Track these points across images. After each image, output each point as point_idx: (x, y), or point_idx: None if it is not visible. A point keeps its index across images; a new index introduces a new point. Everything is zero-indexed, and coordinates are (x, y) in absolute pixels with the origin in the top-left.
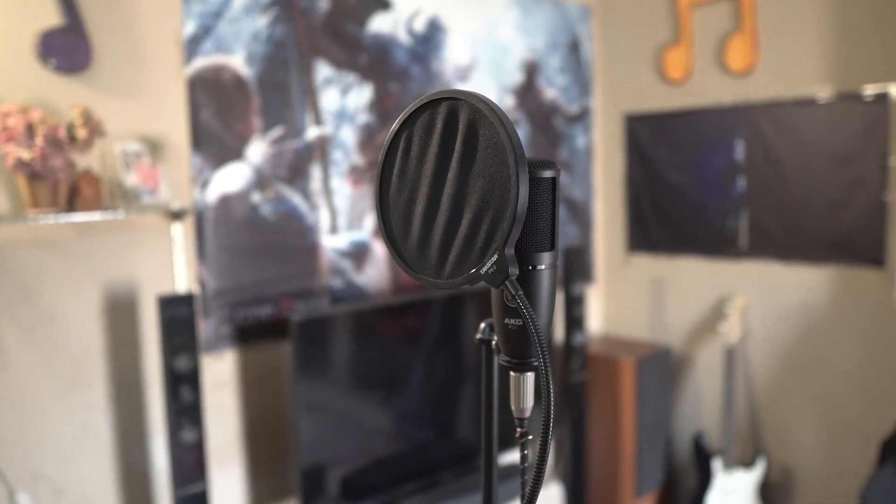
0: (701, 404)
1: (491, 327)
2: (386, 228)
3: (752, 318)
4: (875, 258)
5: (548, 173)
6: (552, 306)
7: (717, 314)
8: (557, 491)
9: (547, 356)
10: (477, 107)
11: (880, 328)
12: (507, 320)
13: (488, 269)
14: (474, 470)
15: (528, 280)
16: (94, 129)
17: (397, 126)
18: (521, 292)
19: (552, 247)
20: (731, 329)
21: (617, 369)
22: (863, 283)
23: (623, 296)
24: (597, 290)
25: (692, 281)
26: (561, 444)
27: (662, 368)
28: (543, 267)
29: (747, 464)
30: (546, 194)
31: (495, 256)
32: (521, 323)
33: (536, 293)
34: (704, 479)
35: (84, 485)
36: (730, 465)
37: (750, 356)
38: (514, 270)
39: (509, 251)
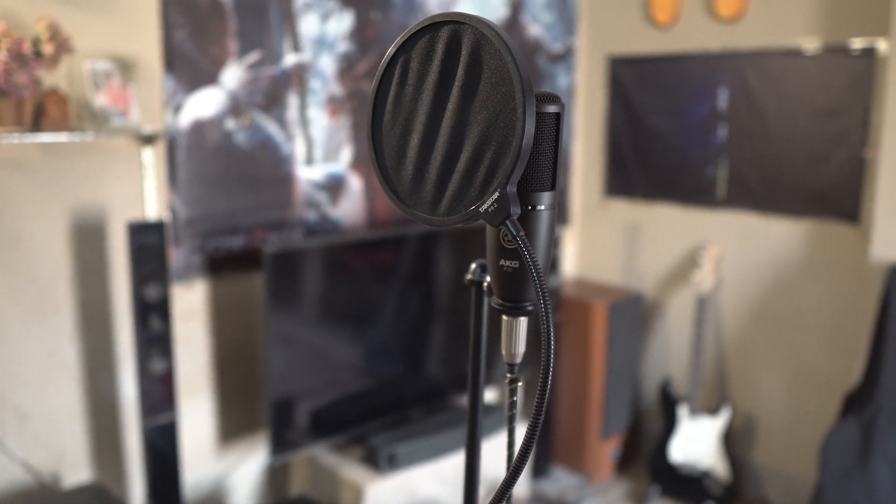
0: (669, 351)
1: (482, 268)
2: (378, 160)
3: (725, 267)
4: (851, 214)
5: (552, 108)
6: (550, 249)
7: (690, 262)
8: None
9: (549, 303)
10: (482, 32)
11: (851, 284)
12: (502, 262)
13: (488, 206)
14: (443, 407)
15: (527, 220)
16: (62, 44)
17: (394, 50)
18: (522, 233)
19: (553, 186)
20: (703, 278)
21: (589, 313)
22: (837, 239)
23: (598, 240)
24: (572, 232)
25: (668, 228)
26: (531, 385)
27: (634, 314)
28: (543, 207)
29: (712, 411)
30: (550, 130)
31: (496, 194)
32: (517, 265)
33: (535, 235)
34: (669, 425)
35: (50, 412)
36: (695, 411)
37: (721, 305)
38: (515, 210)
39: (511, 189)
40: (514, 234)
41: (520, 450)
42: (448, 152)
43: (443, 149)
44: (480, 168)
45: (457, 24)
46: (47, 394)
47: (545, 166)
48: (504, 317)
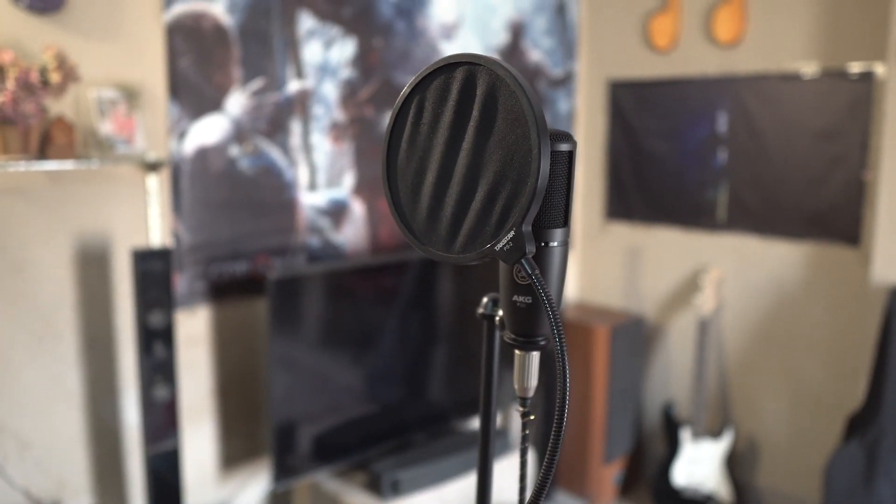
0: (671, 374)
1: (494, 302)
2: (393, 198)
3: (726, 290)
4: (851, 236)
5: (565, 146)
6: (562, 285)
7: (691, 285)
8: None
9: (564, 340)
10: (497, 73)
11: (852, 306)
12: (515, 297)
13: (504, 245)
14: (447, 432)
15: (539, 257)
16: (68, 73)
17: (408, 90)
18: (537, 271)
19: (565, 223)
20: (705, 301)
21: (591, 336)
22: (837, 261)
23: (599, 263)
24: (573, 256)
25: (668, 251)
26: (533, 408)
27: (635, 337)
28: (556, 244)
29: (715, 434)
30: (562, 168)
31: (512, 233)
32: (530, 301)
33: (548, 271)
34: (672, 448)
35: (52, 439)
36: (698, 434)
37: (722, 328)
38: (530, 248)
39: (526, 228)
40: (530, 272)
41: (532, 496)
42: (463, 191)
43: (458, 188)
44: (496, 208)
45: (472, 65)
46: (49, 420)
47: (558, 204)
48: (517, 351)
